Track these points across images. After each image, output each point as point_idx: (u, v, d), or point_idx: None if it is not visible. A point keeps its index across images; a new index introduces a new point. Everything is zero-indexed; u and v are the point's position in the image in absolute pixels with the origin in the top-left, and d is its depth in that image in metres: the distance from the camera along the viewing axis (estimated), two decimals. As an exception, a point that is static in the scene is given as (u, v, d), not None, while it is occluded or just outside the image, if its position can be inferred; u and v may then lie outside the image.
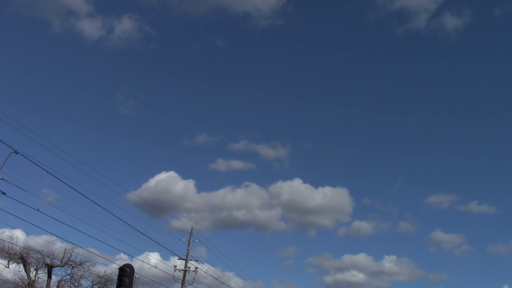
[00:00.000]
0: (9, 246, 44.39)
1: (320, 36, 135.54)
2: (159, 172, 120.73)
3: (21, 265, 46.24)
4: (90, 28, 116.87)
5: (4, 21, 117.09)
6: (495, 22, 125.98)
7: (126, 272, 20.51)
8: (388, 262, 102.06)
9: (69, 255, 47.00)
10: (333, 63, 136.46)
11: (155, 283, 46.48)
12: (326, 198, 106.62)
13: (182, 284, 46.45)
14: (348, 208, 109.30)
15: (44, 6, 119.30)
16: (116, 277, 47.11)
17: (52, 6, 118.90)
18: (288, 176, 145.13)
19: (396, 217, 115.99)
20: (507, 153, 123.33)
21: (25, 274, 46.06)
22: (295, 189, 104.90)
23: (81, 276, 48.82)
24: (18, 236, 48.10)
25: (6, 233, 55.39)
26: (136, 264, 48.25)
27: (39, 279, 47.40)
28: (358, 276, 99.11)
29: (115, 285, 49.24)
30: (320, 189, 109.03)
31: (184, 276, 46.52)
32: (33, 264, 46.74)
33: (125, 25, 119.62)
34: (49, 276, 47.07)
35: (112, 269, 50.13)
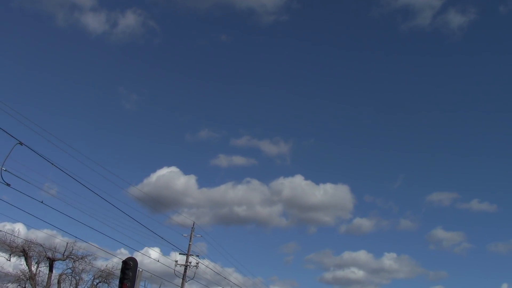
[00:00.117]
0: (11, 239, 44.46)
1: (324, 33, 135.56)
2: (160, 167, 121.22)
3: (23, 259, 46.27)
4: (94, 22, 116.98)
5: (8, 15, 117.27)
6: (500, 20, 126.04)
7: (129, 266, 20.50)
8: (388, 260, 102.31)
9: (71, 248, 47.06)
10: (337, 60, 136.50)
11: (157, 277, 46.55)
12: (327, 194, 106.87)
13: (183, 279, 46.51)
14: (349, 205, 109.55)
15: (48, 0, 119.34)
16: (117, 271, 47.19)
17: (56, 0, 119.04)
18: (289, 173, 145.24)
19: (397, 214, 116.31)
20: (509, 152, 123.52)
21: (27, 267, 46.09)
22: (296, 185, 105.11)
23: (82, 270, 48.85)
24: (19, 229, 48.24)
25: (7, 226, 55.43)
26: (136, 258, 48.21)
27: (40, 273, 47.45)
28: (358, 273, 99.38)
29: (116, 279, 49.37)
30: (322, 185, 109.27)
31: (185, 271, 46.57)
32: (34, 257, 46.75)
33: (129, 20, 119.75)
34: (51, 270, 47.10)
35: (114, 263, 50.20)
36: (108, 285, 50.24)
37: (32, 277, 45.71)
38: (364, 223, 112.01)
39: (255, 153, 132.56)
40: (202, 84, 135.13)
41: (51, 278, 46.97)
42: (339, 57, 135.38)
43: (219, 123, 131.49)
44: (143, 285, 49.70)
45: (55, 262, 47.34)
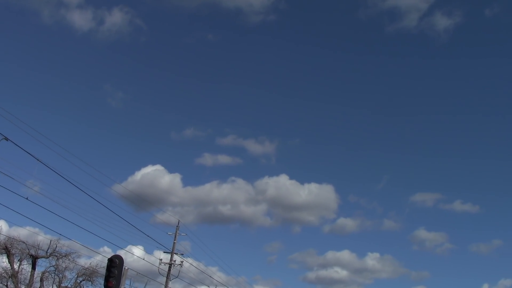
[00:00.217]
0: (-7, 236, 44.04)
1: (311, 33, 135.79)
2: (145, 165, 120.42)
3: (5, 256, 45.85)
4: (80, 19, 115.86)
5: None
6: (485, 23, 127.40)
7: (115, 263, 20.37)
8: (371, 259, 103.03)
9: (54, 246, 46.74)
10: (323, 61, 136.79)
11: (142, 276, 46.43)
12: (312, 194, 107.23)
13: (167, 277, 46.41)
14: (334, 205, 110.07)
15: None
16: (101, 269, 46.95)
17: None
18: (274, 172, 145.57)
19: (380, 214, 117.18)
20: (492, 153, 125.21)
21: (9, 265, 45.70)
22: (281, 185, 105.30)
23: (66, 268, 48.56)
24: (2, 226, 47.77)
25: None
26: (121, 256, 47.94)
27: (23, 270, 47.09)
28: (341, 273, 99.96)
29: (100, 277, 49.06)
30: (306, 185, 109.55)
31: (169, 270, 46.49)
32: (17, 255, 46.35)
33: (116, 18, 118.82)
34: (33, 268, 46.73)
35: (97, 261, 49.96)
36: (92, 283, 50.03)
37: (14, 275, 45.32)
38: (348, 223, 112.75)
39: (240, 152, 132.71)
40: (188, 83, 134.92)
41: (34, 276, 46.62)
42: (325, 58, 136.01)
43: (204, 122, 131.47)
44: (128, 283, 49.55)
45: (38, 259, 46.98)
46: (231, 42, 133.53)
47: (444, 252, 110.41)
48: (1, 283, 45.90)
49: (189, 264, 48.55)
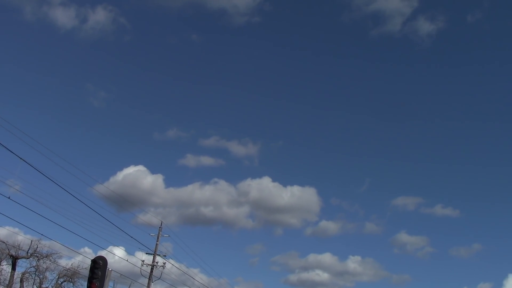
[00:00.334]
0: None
1: (295, 35, 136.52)
2: (127, 165, 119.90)
3: (-16, 256, 45.31)
4: (63, 17, 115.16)
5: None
6: (467, 29, 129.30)
7: (98, 265, 20.36)
8: (353, 262, 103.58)
9: (35, 246, 46.25)
10: (307, 63, 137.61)
11: (125, 277, 46.17)
12: (294, 197, 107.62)
13: (149, 279, 46.23)
14: (316, 208, 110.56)
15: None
16: (83, 270, 46.52)
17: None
18: (257, 174, 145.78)
19: (362, 217, 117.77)
20: (473, 159, 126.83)
21: (-12, 265, 45.19)
22: (263, 187, 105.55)
23: (46, 269, 48.08)
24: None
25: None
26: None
27: (3, 271, 46.53)
28: (322, 276, 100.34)
29: (81, 278, 48.58)
30: (289, 188, 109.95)
31: (151, 271, 46.31)
32: (-4, 255, 45.87)
33: (99, 16, 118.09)
34: (13, 268, 46.18)
35: (78, 261, 49.58)
36: (73, 285, 49.62)
37: (-7, 275, 44.81)
38: (330, 226, 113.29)
39: (223, 154, 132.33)
40: (172, 83, 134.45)
41: (13, 277, 46.07)
42: (309, 60, 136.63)
43: (187, 123, 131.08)
44: (112, 285, 49.28)
45: (18, 260, 46.46)
46: (215, 43, 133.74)
47: (425, 256, 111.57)
48: (-20, 283, 45.35)
49: (171, 266, 48.45)
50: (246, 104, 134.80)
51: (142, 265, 46.48)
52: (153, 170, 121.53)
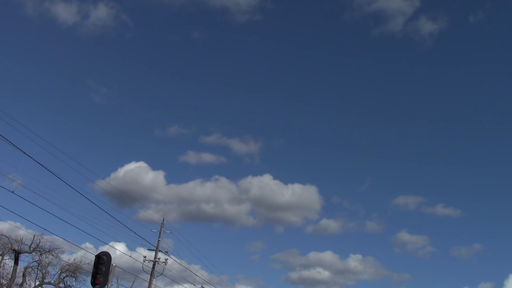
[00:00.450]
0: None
1: (297, 34, 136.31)
2: (128, 162, 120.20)
3: (-13, 251, 45.48)
4: (65, 13, 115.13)
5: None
6: (469, 29, 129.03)
7: (103, 260, 20.45)
8: (354, 261, 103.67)
9: (38, 241, 46.39)
10: (308, 62, 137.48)
11: (127, 273, 46.32)
12: (295, 195, 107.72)
13: (151, 275, 46.38)
14: (317, 206, 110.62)
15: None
16: (86, 265, 46.60)
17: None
18: (258, 172, 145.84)
19: (363, 216, 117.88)
20: (474, 159, 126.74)
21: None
22: (264, 184, 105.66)
23: (49, 263, 48.21)
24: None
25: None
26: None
27: (5, 265, 46.69)
28: (323, 274, 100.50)
29: (84, 273, 48.70)
30: (290, 185, 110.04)
31: (153, 267, 46.45)
32: (-1, 249, 46.02)
33: (101, 12, 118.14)
34: (16, 263, 46.34)
35: (80, 257, 49.70)
36: (76, 280, 49.75)
37: (-4, 270, 44.97)
38: (331, 224, 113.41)
39: (225, 151, 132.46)
40: (173, 80, 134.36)
41: (16, 271, 46.24)
42: (311, 59, 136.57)
43: (189, 120, 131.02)
44: (115, 281, 49.42)
45: (21, 254, 46.60)
46: (217, 40, 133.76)
47: (426, 255, 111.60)
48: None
49: (172, 262, 48.61)
50: (248, 102, 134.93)
51: (144, 261, 46.67)
52: (154, 167, 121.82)
